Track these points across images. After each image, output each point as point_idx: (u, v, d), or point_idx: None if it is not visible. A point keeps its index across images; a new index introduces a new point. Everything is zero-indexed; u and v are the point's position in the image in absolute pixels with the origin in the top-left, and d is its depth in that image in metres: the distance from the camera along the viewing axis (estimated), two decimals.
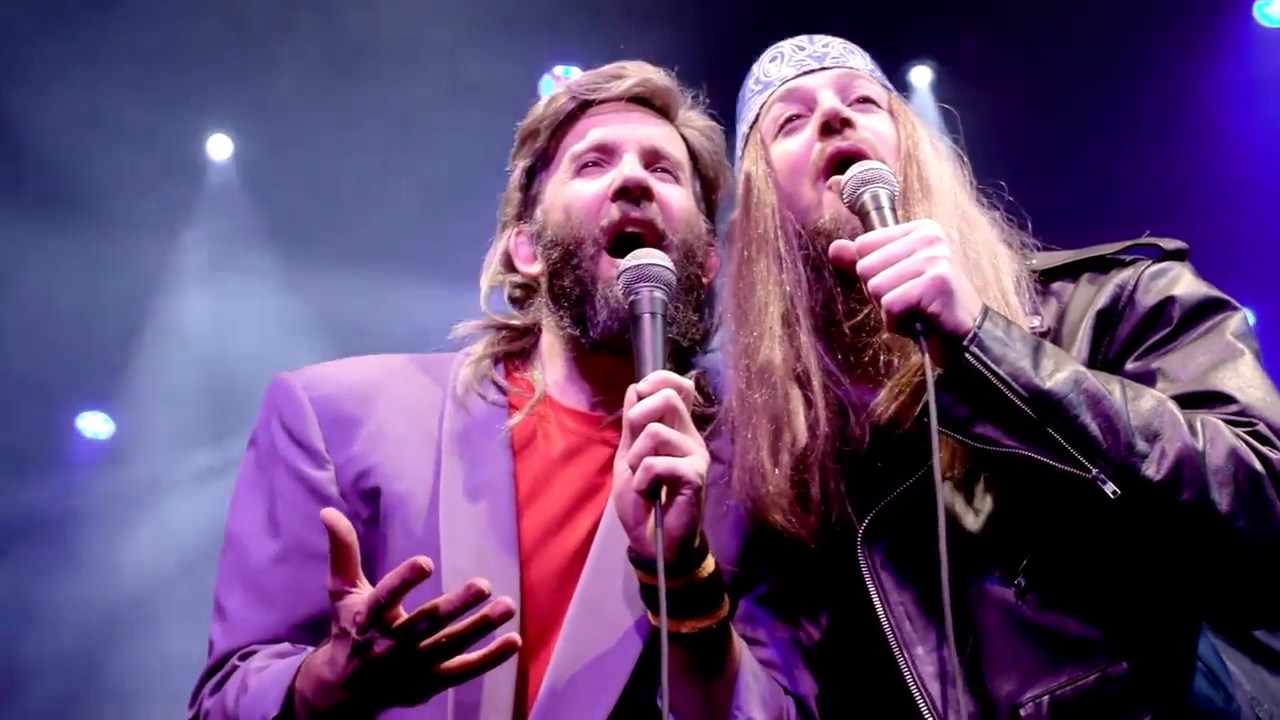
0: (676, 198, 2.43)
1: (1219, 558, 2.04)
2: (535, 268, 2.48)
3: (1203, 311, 2.26)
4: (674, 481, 2.00)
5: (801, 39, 2.58)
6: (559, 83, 7.26)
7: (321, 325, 7.20)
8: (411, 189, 7.22)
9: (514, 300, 2.55)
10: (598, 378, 2.42)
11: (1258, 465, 2.04)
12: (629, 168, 2.38)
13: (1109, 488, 2.01)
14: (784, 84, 2.50)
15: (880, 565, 2.25)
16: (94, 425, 7.53)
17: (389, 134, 7.16)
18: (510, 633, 1.93)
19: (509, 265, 2.53)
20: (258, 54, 6.88)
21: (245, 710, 2.09)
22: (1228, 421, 2.10)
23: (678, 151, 2.49)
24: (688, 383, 2.09)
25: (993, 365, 2.07)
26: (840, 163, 2.36)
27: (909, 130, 2.47)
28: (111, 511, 7.34)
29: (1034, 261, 2.42)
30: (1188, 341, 2.23)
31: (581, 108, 2.50)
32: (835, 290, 2.37)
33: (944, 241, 2.12)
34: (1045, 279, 2.39)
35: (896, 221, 2.19)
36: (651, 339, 2.14)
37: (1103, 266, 2.37)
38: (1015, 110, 6.85)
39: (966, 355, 2.07)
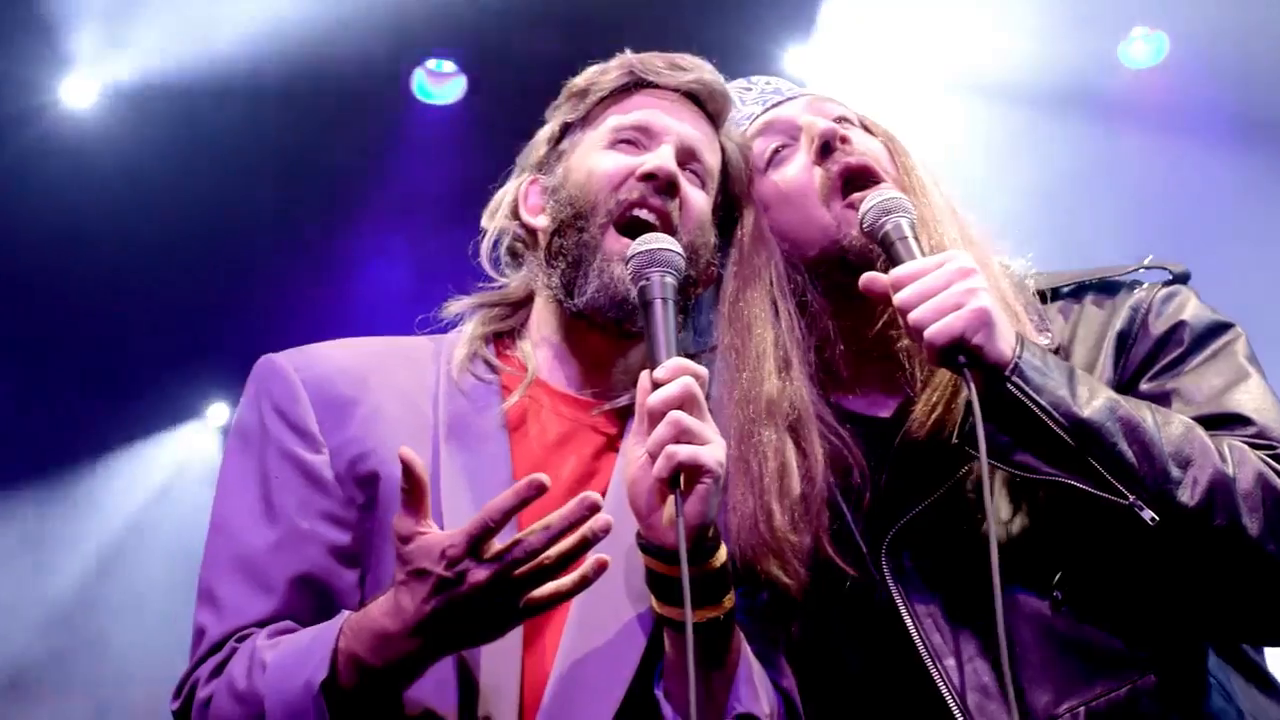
0: (698, 199, 2.40)
1: (1249, 579, 2.09)
2: (540, 220, 2.43)
3: (1211, 334, 2.32)
4: (695, 470, 1.98)
5: (740, 82, 2.63)
6: (422, 76, 7.34)
7: None
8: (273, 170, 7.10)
9: (512, 253, 2.50)
10: (587, 358, 2.38)
11: None
12: (664, 157, 2.35)
13: (1147, 514, 2.05)
14: (755, 119, 2.53)
15: (904, 577, 2.26)
16: None
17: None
18: (600, 554, 1.92)
19: (515, 213, 2.48)
20: None
21: (273, 683, 1.99)
22: (1246, 444, 2.15)
23: (713, 159, 2.46)
24: (703, 370, 2.07)
25: (1034, 395, 2.11)
26: (848, 179, 2.39)
27: (892, 143, 2.51)
28: None
29: (1030, 281, 2.46)
30: (1199, 363, 2.29)
31: (635, 85, 2.46)
32: (831, 321, 2.40)
33: (979, 272, 2.16)
34: (1046, 298, 2.44)
35: (922, 250, 2.22)
36: (664, 325, 2.11)
37: (1108, 289, 2.43)
38: None
39: (1009, 385, 2.11)
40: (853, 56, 7.00)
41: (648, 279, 2.16)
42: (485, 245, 2.49)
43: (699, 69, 2.47)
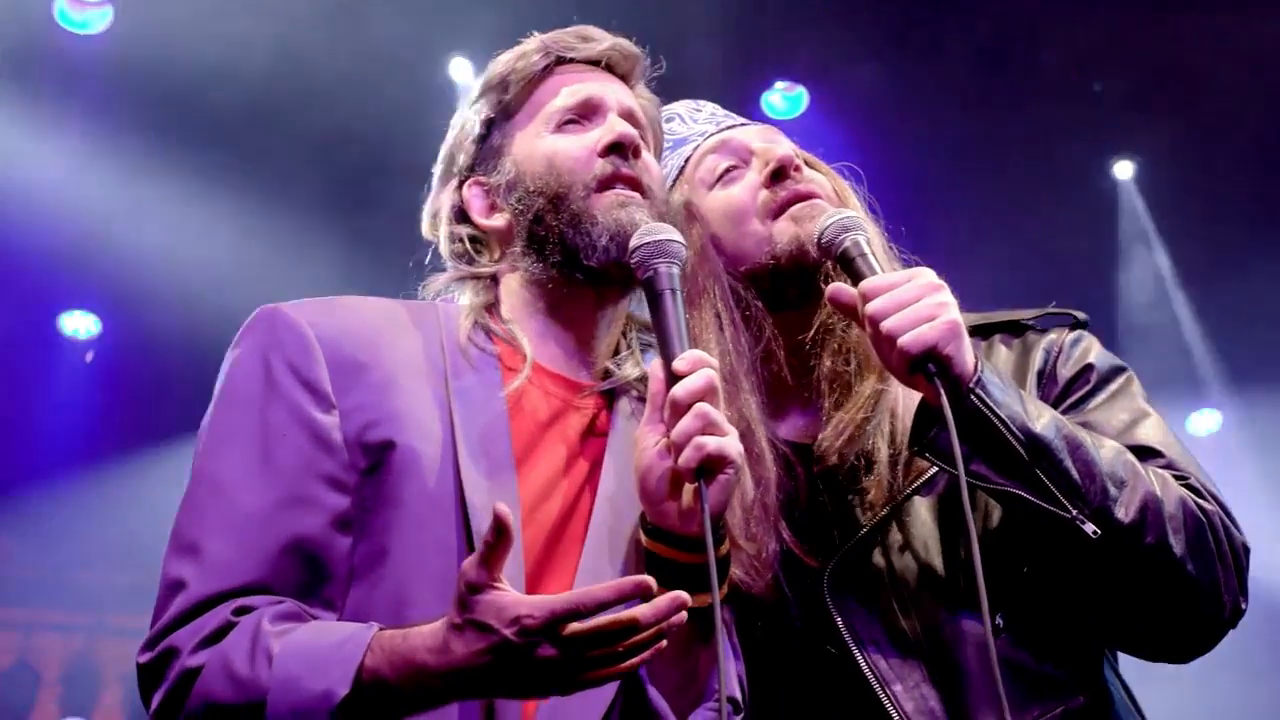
0: (653, 161, 2.43)
1: (1171, 597, 2.26)
2: (497, 220, 2.38)
3: (1113, 375, 2.51)
4: (721, 461, 2.02)
5: (689, 103, 2.70)
6: (64, 2, 6.94)
7: None
8: None
9: (462, 255, 2.43)
10: (570, 335, 2.36)
11: (1200, 515, 2.28)
12: (620, 124, 2.35)
13: (1089, 528, 2.18)
14: (709, 137, 2.60)
15: (846, 607, 2.33)
16: None
17: None
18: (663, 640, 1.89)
19: (460, 218, 2.43)
20: None
21: (282, 681, 1.87)
22: None
23: (645, 119, 2.48)
24: (715, 362, 2.12)
25: (995, 408, 2.20)
26: (792, 204, 2.47)
27: (834, 179, 2.60)
28: None
29: None
30: (1103, 400, 2.47)
31: (551, 65, 2.43)
32: (773, 332, 2.46)
33: (947, 288, 2.23)
34: None
35: (884, 267, 2.30)
36: (675, 317, 2.12)
37: (1014, 330, 2.58)
38: None
39: (972, 397, 2.19)
40: None
41: (655, 270, 2.16)
42: (445, 251, 2.44)
43: (605, 36, 2.49)
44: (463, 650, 1.84)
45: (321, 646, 1.91)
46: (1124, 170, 8.20)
